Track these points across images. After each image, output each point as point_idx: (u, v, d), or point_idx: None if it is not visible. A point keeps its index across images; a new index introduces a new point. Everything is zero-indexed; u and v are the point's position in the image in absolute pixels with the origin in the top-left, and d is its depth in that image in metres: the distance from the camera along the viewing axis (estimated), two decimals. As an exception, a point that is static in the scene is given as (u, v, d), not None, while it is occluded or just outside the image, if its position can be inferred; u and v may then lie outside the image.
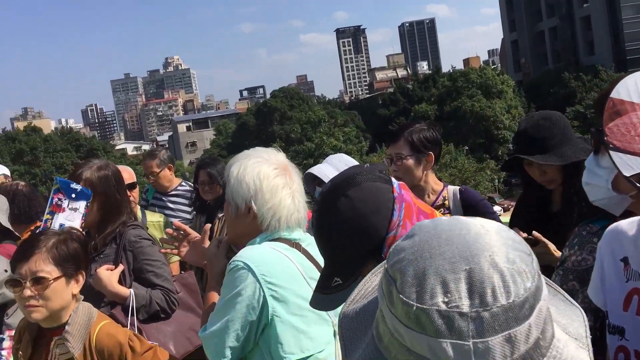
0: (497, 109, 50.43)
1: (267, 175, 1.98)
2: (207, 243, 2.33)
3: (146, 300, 2.67)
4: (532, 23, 73.93)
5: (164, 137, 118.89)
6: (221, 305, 1.93)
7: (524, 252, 0.81)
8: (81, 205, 2.70)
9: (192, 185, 4.89)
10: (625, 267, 1.44)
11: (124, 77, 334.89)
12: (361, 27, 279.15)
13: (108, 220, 2.81)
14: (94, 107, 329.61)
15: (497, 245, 0.79)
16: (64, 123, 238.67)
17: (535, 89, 58.05)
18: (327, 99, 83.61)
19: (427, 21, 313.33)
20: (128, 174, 4.02)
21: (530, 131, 2.48)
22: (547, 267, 2.07)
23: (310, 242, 2.06)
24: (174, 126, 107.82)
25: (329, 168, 3.52)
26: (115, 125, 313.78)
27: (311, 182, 3.58)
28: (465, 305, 0.75)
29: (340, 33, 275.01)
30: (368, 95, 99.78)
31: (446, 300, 0.76)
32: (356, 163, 2.93)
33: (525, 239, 1.55)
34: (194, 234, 2.41)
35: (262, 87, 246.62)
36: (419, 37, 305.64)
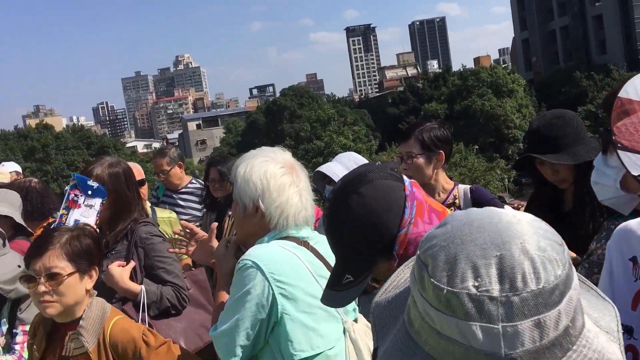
0: (507, 108, 50.12)
1: (274, 174, 1.99)
2: (214, 241, 2.34)
3: (157, 296, 2.68)
4: (544, 22, 73.44)
5: (174, 135, 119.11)
6: (231, 304, 1.94)
7: (556, 242, 0.82)
8: (97, 202, 2.72)
9: (203, 182, 4.91)
10: (634, 267, 1.44)
11: (135, 75, 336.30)
12: (371, 26, 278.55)
13: (119, 217, 2.83)
14: (105, 105, 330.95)
15: (528, 233, 0.81)
16: (75, 121, 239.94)
17: (546, 88, 57.64)
18: (336, 98, 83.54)
19: (438, 20, 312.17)
20: (136, 171, 4.04)
21: (543, 130, 2.46)
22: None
23: (318, 240, 2.07)
24: (184, 124, 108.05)
25: (339, 166, 3.53)
26: (125, 123, 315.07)
27: (321, 181, 3.59)
28: (495, 289, 0.76)
29: (350, 32, 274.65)
30: (378, 94, 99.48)
31: (476, 284, 0.77)
32: (366, 161, 2.94)
33: None
34: (202, 233, 2.43)
35: (272, 85, 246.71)
36: (430, 36, 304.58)
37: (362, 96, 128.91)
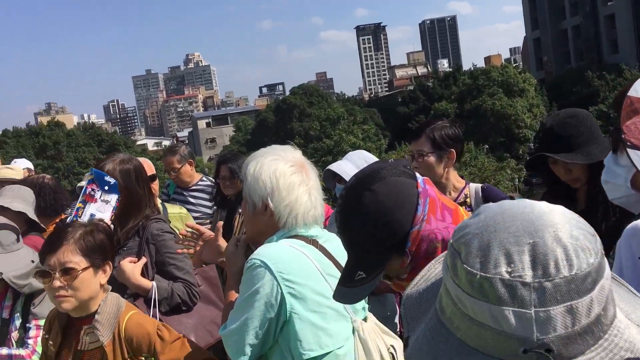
0: (518, 108, 49.84)
1: (284, 172, 1.99)
2: (221, 240, 2.35)
3: (168, 292, 2.70)
4: (555, 21, 72.95)
5: (184, 133, 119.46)
6: (240, 303, 1.94)
7: (588, 231, 0.82)
8: (113, 198, 2.74)
9: (213, 180, 4.93)
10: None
11: (145, 73, 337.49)
12: (381, 25, 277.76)
13: (130, 213, 2.84)
14: (115, 103, 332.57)
15: (561, 222, 0.81)
16: (86, 118, 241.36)
17: (557, 87, 57.27)
18: (346, 96, 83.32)
19: (449, 18, 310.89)
20: (147, 166, 4.06)
21: (556, 129, 2.44)
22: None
23: (327, 239, 2.07)
24: (194, 122, 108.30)
25: (349, 165, 3.53)
26: (136, 120, 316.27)
27: (331, 179, 3.59)
28: (528, 275, 0.77)
29: (360, 30, 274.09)
30: (387, 93, 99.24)
31: (509, 270, 0.78)
32: (376, 160, 2.94)
33: None
34: (208, 233, 2.43)
35: (282, 84, 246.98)
36: (440, 35, 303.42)
37: (372, 95, 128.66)
